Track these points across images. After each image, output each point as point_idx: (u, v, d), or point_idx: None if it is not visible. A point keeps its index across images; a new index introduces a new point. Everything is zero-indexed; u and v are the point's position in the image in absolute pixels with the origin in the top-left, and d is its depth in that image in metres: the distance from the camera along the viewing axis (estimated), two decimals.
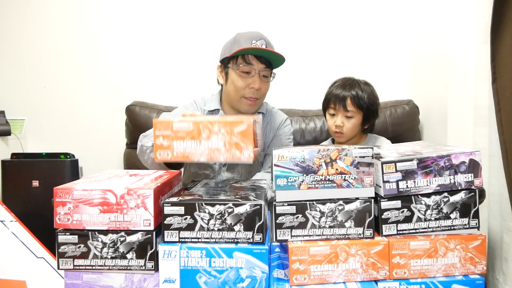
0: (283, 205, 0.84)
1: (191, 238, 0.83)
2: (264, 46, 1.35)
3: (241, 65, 1.37)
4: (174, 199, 0.85)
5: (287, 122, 1.58)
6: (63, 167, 2.09)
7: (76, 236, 0.84)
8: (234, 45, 1.37)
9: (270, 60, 1.39)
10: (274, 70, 1.44)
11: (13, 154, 2.12)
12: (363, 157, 0.85)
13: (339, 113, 1.45)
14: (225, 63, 1.43)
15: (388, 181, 0.84)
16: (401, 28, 2.17)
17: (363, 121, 1.47)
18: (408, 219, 0.85)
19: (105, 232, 0.83)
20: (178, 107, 1.55)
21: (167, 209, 0.83)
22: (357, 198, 0.85)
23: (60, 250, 0.84)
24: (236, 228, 0.83)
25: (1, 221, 1.23)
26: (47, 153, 2.12)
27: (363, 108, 1.44)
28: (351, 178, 0.85)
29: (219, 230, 0.83)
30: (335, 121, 1.46)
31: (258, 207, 0.83)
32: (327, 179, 0.85)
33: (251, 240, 0.83)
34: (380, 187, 0.85)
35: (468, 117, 1.44)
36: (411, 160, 0.85)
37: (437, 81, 1.75)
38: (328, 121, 1.51)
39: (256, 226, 0.83)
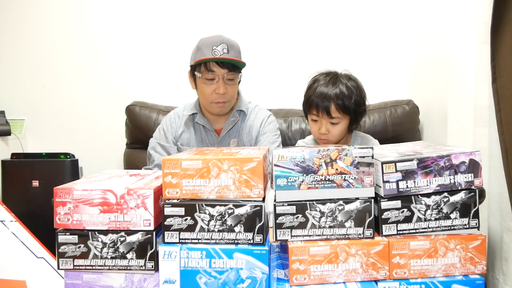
0: (283, 205, 0.84)
1: (192, 239, 0.83)
2: (225, 51, 1.38)
3: (203, 73, 1.41)
4: (175, 200, 0.85)
5: (271, 118, 1.59)
6: (63, 167, 2.09)
7: (76, 236, 0.84)
8: (197, 53, 1.41)
9: (233, 63, 1.41)
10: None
11: (13, 154, 2.12)
12: (363, 157, 0.85)
13: (323, 120, 1.31)
14: (192, 70, 1.47)
15: (388, 181, 0.84)
16: (401, 28, 2.17)
17: (350, 123, 1.34)
18: (408, 219, 0.85)
19: (105, 232, 0.83)
20: (161, 123, 1.62)
21: (168, 210, 0.83)
22: (357, 198, 0.85)
23: (60, 250, 0.84)
24: (237, 229, 0.83)
25: (1, 221, 1.23)
26: (47, 153, 2.12)
27: (350, 112, 1.30)
28: (351, 178, 0.85)
29: (219, 231, 0.83)
30: (320, 129, 1.32)
31: (259, 208, 0.83)
32: (327, 179, 0.84)
33: (252, 241, 0.83)
34: (380, 187, 0.85)
35: (468, 117, 1.44)
36: (411, 160, 0.85)
37: (437, 81, 1.75)
38: (311, 126, 1.37)
39: (257, 227, 0.83)
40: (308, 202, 0.84)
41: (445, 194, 0.86)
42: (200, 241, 0.83)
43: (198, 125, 1.55)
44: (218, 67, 1.40)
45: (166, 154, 1.52)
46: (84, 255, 0.84)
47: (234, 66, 1.42)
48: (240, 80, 1.51)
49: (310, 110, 1.35)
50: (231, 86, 1.45)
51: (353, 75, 1.40)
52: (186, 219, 0.83)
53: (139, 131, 1.96)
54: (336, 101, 1.27)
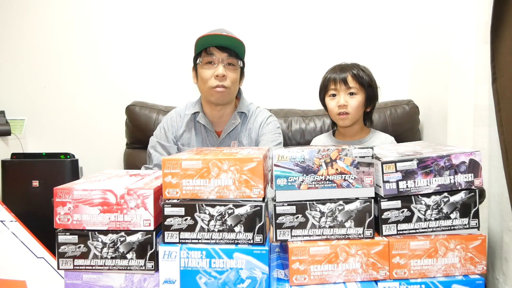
0: (283, 205, 0.84)
1: (192, 239, 0.83)
2: (224, 34, 1.42)
3: (203, 57, 1.44)
4: (175, 200, 0.85)
5: (270, 119, 1.59)
6: (63, 167, 2.09)
7: (76, 236, 0.84)
8: (197, 42, 1.45)
9: (233, 49, 1.44)
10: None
11: (13, 154, 2.12)
12: (363, 157, 0.85)
13: (341, 92, 1.41)
14: (194, 64, 1.51)
15: (388, 181, 0.84)
16: (401, 28, 2.17)
17: (366, 102, 1.44)
18: (408, 219, 0.85)
19: (105, 232, 0.83)
20: (162, 122, 1.62)
21: (168, 210, 0.83)
22: (357, 198, 0.85)
23: (60, 250, 0.84)
24: (237, 229, 0.83)
25: (1, 221, 1.23)
26: (47, 153, 2.12)
27: (365, 86, 1.41)
28: (351, 178, 0.85)
29: (219, 231, 0.83)
30: (338, 101, 1.41)
31: (259, 208, 0.83)
32: (327, 179, 0.85)
33: (252, 241, 0.83)
34: (380, 187, 0.85)
35: (468, 117, 1.44)
36: (411, 160, 0.85)
37: (437, 81, 1.75)
38: (329, 104, 1.45)
39: (257, 227, 0.83)
40: (308, 202, 0.84)
41: (445, 194, 0.86)
42: (200, 241, 0.83)
43: (199, 125, 1.55)
44: (217, 50, 1.42)
45: (166, 154, 1.52)
46: (84, 255, 0.84)
47: (234, 53, 1.44)
48: (242, 74, 1.53)
49: (327, 87, 1.44)
50: (231, 71, 1.45)
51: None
52: (186, 219, 0.83)
53: (139, 131, 1.96)
54: (352, 72, 1.40)
